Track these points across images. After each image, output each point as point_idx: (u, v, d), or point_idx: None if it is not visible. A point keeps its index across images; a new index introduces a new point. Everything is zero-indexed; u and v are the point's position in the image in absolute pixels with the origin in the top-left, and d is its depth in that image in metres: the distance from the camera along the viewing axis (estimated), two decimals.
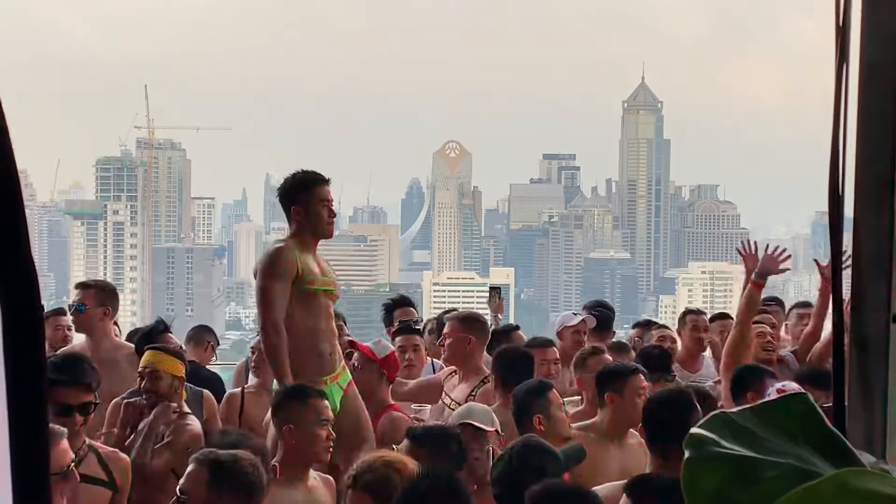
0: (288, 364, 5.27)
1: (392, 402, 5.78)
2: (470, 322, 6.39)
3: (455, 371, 6.30)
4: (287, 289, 5.33)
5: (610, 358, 6.25)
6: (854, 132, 1.85)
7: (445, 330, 6.35)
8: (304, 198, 5.52)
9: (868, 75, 1.88)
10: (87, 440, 4.70)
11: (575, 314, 7.73)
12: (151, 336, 6.21)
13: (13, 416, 1.12)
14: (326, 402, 4.81)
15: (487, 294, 8.37)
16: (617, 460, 5.23)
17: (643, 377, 5.44)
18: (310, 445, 4.59)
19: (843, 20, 1.76)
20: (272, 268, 5.39)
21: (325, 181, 5.59)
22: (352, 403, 5.45)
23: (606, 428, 5.34)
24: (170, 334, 6.38)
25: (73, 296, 6.51)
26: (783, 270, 6.49)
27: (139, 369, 5.40)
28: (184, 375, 5.42)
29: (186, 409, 5.39)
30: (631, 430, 5.37)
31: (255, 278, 5.53)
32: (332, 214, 5.55)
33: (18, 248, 1.14)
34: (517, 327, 7.63)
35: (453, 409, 5.66)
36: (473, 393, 6.00)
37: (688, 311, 7.86)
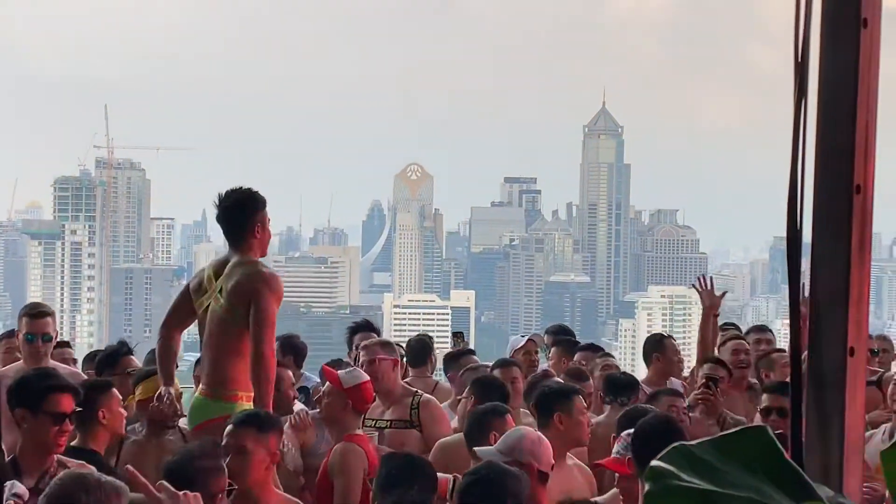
0: None
1: (357, 431, 5.65)
2: (390, 347, 6.41)
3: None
4: None
5: (558, 380, 6.29)
6: (812, 166, 1.89)
7: (367, 356, 6.22)
8: (264, 214, 5.41)
9: (826, 110, 1.91)
10: (57, 456, 4.55)
11: (522, 336, 8.00)
12: (115, 358, 6.16)
13: None
14: None
15: (451, 339, 8.71)
16: (557, 483, 5.17)
17: (582, 398, 5.51)
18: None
19: (801, 56, 1.82)
20: (276, 292, 5.26)
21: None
22: None
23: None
24: (132, 357, 6.34)
25: (23, 324, 6.21)
26: (723, 296, 7.29)
27: (158, 395, 5.38)
28: None
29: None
30: (569, 452, 5.37)
31: (252, 298, 5.24)
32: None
33: None
34: (472, 351, 7.92)
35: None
36: (415, 405, 6.12)
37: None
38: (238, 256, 5.43)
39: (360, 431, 5.57)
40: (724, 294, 7.44)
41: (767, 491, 1.02)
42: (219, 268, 5.45)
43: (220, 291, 5.36)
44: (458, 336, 8.73)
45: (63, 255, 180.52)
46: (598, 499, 4.75)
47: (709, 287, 7.20)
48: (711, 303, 7.24)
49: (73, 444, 4.81)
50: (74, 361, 6.96)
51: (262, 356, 5.20)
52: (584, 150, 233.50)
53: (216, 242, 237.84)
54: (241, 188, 5.49)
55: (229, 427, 4.66)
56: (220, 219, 5.46)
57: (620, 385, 6.40)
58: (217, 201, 5.47)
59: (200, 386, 5.46)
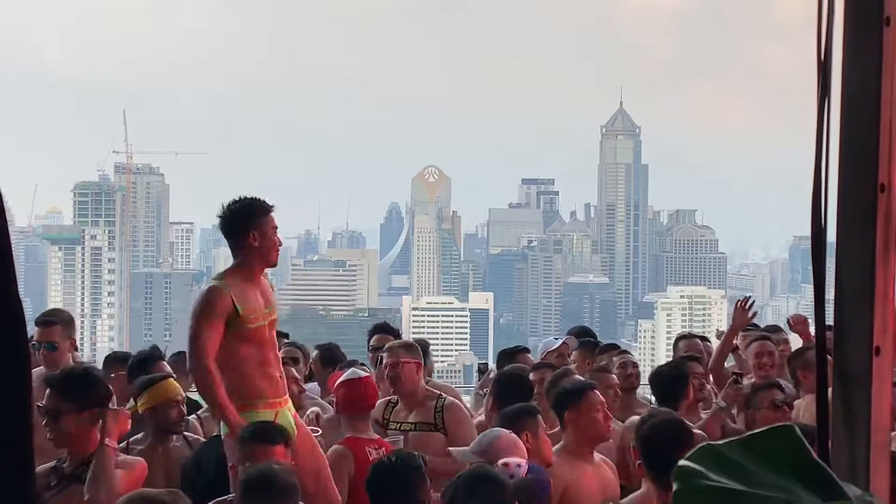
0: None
1: (359, 434, 5.57)
2: (414, 349, 6.37)
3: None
4: (220, 331, 5.16)
5: (580, 376, 6.28)
6: (836, 165, 1.88)
7: (391, 359, 6.21)
8: (261, 223, 5.34)
9: (849, 110, 1.90)
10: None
11: (556, 339, 8.01)
12: (148, 363, 6.22)
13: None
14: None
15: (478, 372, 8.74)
16: (595, 477, 5.22)
17: (598, 393, 5.45)
18: None
19: (824, 55, 1.81)
20: (204, 305, 5.20)
21: (273, 208, 5.47)
22: (302, 438, 5.29)
23: (573, 448, 5.30)
24: (163, 361, 6.40)
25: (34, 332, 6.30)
26: (752, 319, 7.74)
27: (178, 397, 5.41)
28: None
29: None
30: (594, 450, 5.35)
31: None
32: (280, 243, 5.47)
33: (6, 287, 1.14)
34: (526, 349, 7.98)
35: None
36: (438, 409, 6.09)
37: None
38: (228, 268, 5.44)
39: (364, 435, 5.56)
40: (754, 314, 7.83)
41: (796, 490, 1.03)
42: None
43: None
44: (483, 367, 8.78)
45: (83, 260, 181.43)
46: (624, 501, 4.73)
47: (747, 308, 7.59)
48: (742, 321, 7.59)
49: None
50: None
51: (192, 370, 5.26)
52: (602, 151, 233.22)
53: None
54: (240, 199, 5.43)
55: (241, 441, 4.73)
56: (220, 231, 5.50)
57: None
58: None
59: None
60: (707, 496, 1.02)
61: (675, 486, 1.05)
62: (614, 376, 6.81)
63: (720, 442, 1.08)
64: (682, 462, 1.06)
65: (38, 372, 6.31)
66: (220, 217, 5.43)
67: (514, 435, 4.92)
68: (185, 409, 5.50)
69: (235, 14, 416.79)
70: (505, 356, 7.62)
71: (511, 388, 6.02)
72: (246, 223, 5.31)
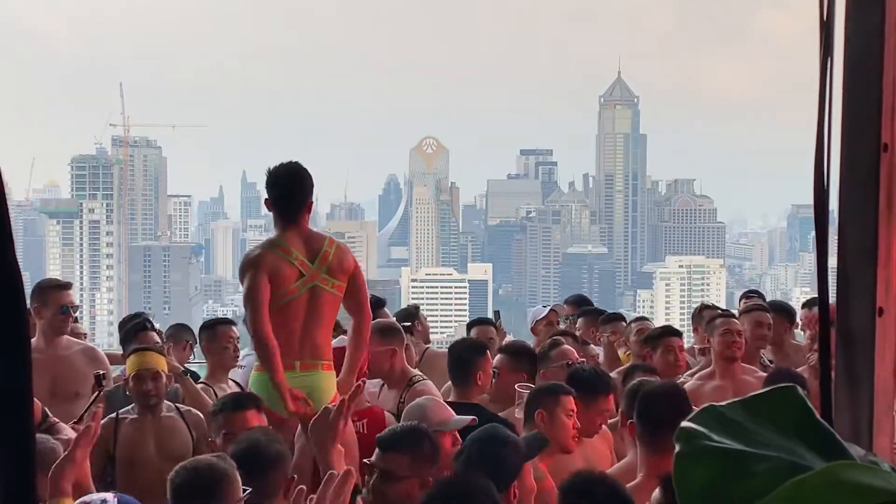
0: None
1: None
2: (391, 332, 6.20)
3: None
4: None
5: (570, 348, 6.15)
6: (839, 126, 1.87)
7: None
8: None
9: (852, 70, 1.89)
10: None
11: (544, 307, 7.90)
12: (136, 331, 6.23)
13: None
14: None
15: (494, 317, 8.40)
16: (580, 456, 4.95)
17: (571, 398, 4.96)
18: None
19: (826, 15, 1.80)
20: None
21: None
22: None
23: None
24: (151, 332, 6.38)
25: (51, 298, 6.29)
26: None
27: (137, 370, 5.37)
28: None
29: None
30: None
31: (355, 272, 5.32)
32: None
33: (5, 260, 1.16)
34: (489, 320, 7.57)
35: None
36: (402, 400, 5.70)
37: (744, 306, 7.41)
38: (312, 231, 5.37)
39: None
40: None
41: (799, 451, 1.03)
42: (307, 244, 5.26)
43: (328, 270, 5.23)
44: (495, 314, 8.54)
45: (81, 233, 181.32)
46: (611, 469, 4.66)
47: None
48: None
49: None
50: (85, 336, 6.97)
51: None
52: (600, 121, 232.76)
53: (233, 219, 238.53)
54: (290, 162, 5.33)
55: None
56: (292, 191, 5.28)
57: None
58: (278, 173, 5.26)
59: (322, 362, 5.26)
60: (710, 457, 1.03)
61: (677, 448, 1.05)
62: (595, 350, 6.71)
63: (723, 403, 1.09)
64: (684, 423, 1.07)
65: (32, 345, 6.31)
66: (304, 176, 5.30)
67: (439, 401, 4.80)
68: (164, 381, 5.39)
69: None
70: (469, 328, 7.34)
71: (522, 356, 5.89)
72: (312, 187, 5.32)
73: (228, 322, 6.61)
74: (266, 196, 5.37)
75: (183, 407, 5.54)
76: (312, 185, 5.31)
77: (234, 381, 6.25)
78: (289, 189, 5.28)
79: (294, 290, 5.17)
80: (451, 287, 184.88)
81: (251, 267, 5.15)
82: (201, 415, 5.39)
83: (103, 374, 5.60)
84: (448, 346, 6.26)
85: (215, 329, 6.38)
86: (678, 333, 6.64)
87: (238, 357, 6.34)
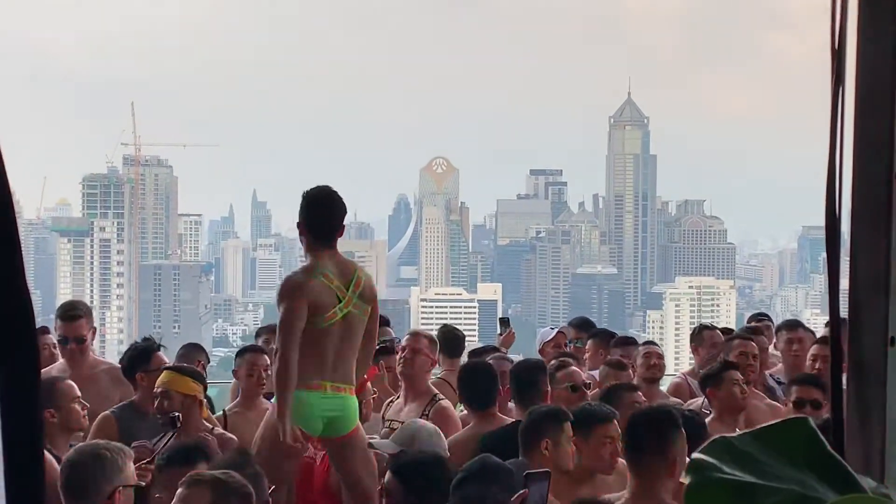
0: None
1: None
2: (435, 345, 6.32)
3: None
4: None
5: (577, 370, 6.14)
6: (850, 154, 1.87)
7: (412, 343, 6.17)
8: None
9: (863, 98, 1.89)
10: None
11: (552, 329, 7.94)
12: (147, 355, 6.25)
13: (7, 440, 1.13)
14: None
15: (498, 325, 8.52)
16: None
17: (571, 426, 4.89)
18: None
19: (838, 43, 1.79)
20: None
21: None
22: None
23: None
24: (159, 353, 6.40)
25: (56, 326, 6.31)
26: None
27: (156, 390, 5.38)
28: (198, 395, 5.43)
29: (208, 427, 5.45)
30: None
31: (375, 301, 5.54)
32: None
33: (14, 278, 1.15)
34: (495, 348, 7.65)
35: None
36: (426, 412, 5.84)
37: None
38: (342, 256, 5.48)
39: None
40: None
41: (810, 483, 1.02)
42: (341, 270, 5.38)
43: (360, 296, 5.36)
44: (503, 321, 8.59)
45: (92, 251, 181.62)
46: (611, 496, 4.64)
47: None
48: None
49: None
50: (55, 347, 6.75)
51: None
52: (610, 142, 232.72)
53: (243, 238, 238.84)
54: (324, 186, 5.49)
55: None
56: (329, 216, 5.40)
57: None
58: (313, 197, 5.39)
59: (349, 386, 5.30)
60: (721, 489, 1.01)
61: (688, 479, 1.05)
62: (630, 373, 6.68)
63: (734, 434, 1.07)
64: (695, 455, 1.06)
65: (59, 367, 6.33)
66: (338, 200, 5.43)
67: (433, 426, 4.89)
68: (166, 401, 5.39)
69: (244, 5, 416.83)
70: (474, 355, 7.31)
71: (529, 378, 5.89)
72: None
73: (258, 350, 6.66)
74: (298, 219, 5.45)
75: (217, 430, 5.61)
76: (345, 210, 5.40)
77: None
78: (324, 214, 5.36)
79: (332, 316, 5.26)
80: (460, 307, 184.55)
81: (294, 291, 5.25)
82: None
83: (178, 415, 5.31)
84: (460, 366, 6.32)
85: (244, 356, 6.52)
86: (736, 366, 6.20)
87: (264, 386, 6.33)
